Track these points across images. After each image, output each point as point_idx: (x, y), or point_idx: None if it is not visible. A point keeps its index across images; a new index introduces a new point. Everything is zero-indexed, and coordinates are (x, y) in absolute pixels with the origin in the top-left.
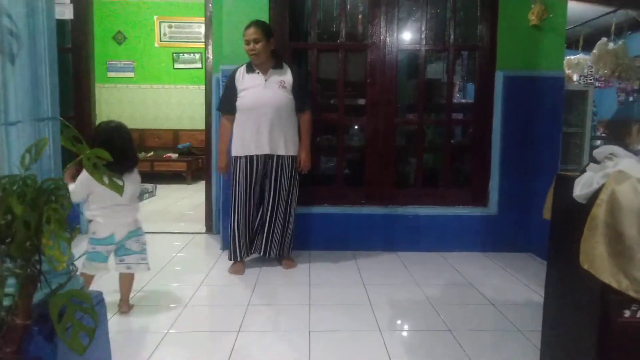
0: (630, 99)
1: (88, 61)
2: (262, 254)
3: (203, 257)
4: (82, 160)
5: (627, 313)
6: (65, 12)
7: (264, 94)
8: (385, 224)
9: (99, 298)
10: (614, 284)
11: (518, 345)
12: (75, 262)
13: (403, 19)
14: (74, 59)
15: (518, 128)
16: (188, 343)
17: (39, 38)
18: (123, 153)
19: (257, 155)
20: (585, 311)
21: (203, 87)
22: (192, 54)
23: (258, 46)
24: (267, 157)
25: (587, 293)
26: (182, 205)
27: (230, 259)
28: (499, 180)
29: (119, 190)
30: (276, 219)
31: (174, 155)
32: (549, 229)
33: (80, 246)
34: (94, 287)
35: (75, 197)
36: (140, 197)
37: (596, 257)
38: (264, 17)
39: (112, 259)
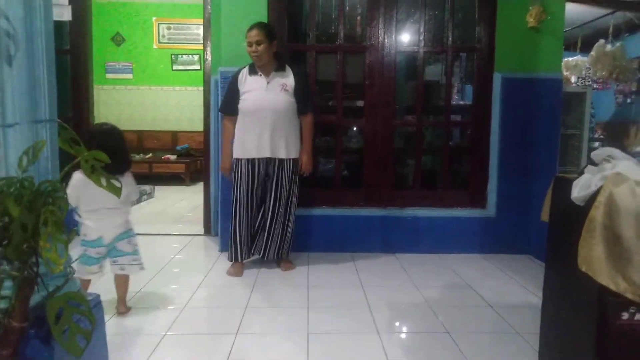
0: (628, 100)
1: (86, 63)
2: (261, 255)
3: (201, 258)
4: (80, 163)
5: (625, 315)
6: (64, 13)
7: (266, 97)
8: (383, 226)
9: (96, 300)
10: (612, 286)
11: (516, 347)
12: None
13: (401, 20)
14: (72, 61)
15: (516, 130)
16: (186, 345)
17: (37, 40)
18: (114, 155)
19: (258, 159)
20: (583, 313)
21: (201, 88)
22: (190, 56)
23: (260, 48)
24: (269, 160)
25: (585, 295)
26: (180, 206)
27: (230, 260)
28: (497, 182)
29: (117, 192)
30: (276, 221)
31: (173, 157)
32: (547, 231)
33: (77, 249)
34: (92, 288)
35: (70, 201)
36: (139, 198)
37: (594, 259)
38: (263, 19)
39: (106, 261)
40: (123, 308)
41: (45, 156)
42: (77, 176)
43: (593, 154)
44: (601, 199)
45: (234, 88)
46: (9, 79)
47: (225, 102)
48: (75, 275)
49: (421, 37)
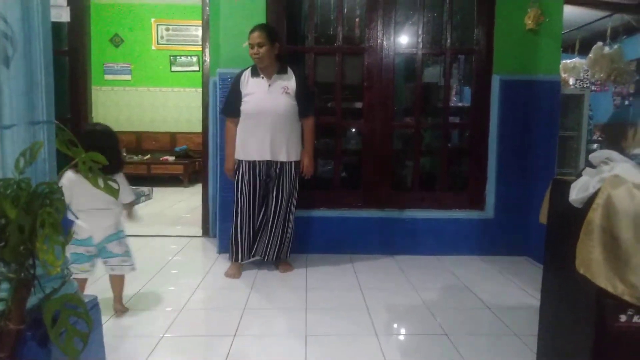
0: (626, 102)
1: (85, 64)
2: (262, 257)
3: (199, 260)
4: (78, 164)
5: (623, 318)
6: (62, 14)
7: (267, 100)
8: (382, 228)
9: (93, 302)
10: (610, 289)
11: (514, 349)
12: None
13: (400, 22)
14: (71, 62)
15: (515, 132)
16: (184, 347)
17: (35, 41)
18: (107, 156)
19: (259, 161)
20: (581, 315)
21: (200, 89)
22: (189, 57)
23: (262, 50)
24: (270, 163)
25: (583, 297)
26: (178, 208)
27: (231, 260)
28: (495, 184)
29: (114, 194)
30: (277, 223)
31: (171, 158)
32: (545, 233)
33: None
34: (91, 288)
35: None
36: (136, 200)
37: (592, 261)
38: (261, 20)
39: (99, 260)
40: (119, 306)
41: (42, 158)
42: (68, 175)
43: (591, 156)
44: (599, 201)
45: (235, 90)
46: (6, 80)
47: (228, 104)
48: None
49: (420, 39)
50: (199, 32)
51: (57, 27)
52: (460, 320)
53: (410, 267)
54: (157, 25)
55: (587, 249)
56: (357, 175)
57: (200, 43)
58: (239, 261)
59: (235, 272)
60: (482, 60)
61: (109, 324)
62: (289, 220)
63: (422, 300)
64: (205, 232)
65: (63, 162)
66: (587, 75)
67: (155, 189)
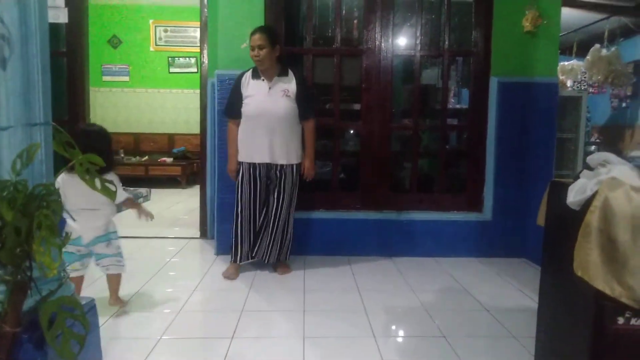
0: (624, 104)
1: (83, 65)
2: (263, 258)
3: (197, 262)
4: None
5: (620, 320)
6: (60, 15)
7: (267, 102)
8: (380, 229)
9: (90, 305)
10: (608, 291)
11: (512, 351)
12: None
13: (398, 24)
14: (69, 63)
15: (512, 133)
16: (181, 349)
17: (32, 43)
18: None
19: (259, 163)
20: (579, 317)
21: (198, 91)
22: (187, 58)
23: (262, 52)
24: (269, 166)
25: (581, 300)
26: (176, 209)
27: (231, 259)
28: (493, 186)
29: (112, 195)
30: (278, 225)
31: (169, 160)
32: (543, 235)
33: None
34: (89, 290)
35: None
36: (135, 201)
37: (590, 263)
38: (259, 22)
39: (91, 260)
40: (114, 301)
41: (39, 159)
42: (60, 175)
43: (588, 159)
44: (597, 203)
45: (237, 91)
46: (3, 82)
47: (229, 106)
48: None
49: (418, 41)
50: (197, 34)
51: (55, 28)
52: (458, 322)
53: (409, 269)
54: (156, 26)
55: (584, 252)
56: (355, 177)
57: (199, 44)
58: (238, 262)
59: (232, 273)
60: (480, 62)
61: (106, 326)
62: (288, 222)
63: (420, 302)
64: (203, 233)
65: (60, 164)
66: (585, 77)
67: (153, 190)
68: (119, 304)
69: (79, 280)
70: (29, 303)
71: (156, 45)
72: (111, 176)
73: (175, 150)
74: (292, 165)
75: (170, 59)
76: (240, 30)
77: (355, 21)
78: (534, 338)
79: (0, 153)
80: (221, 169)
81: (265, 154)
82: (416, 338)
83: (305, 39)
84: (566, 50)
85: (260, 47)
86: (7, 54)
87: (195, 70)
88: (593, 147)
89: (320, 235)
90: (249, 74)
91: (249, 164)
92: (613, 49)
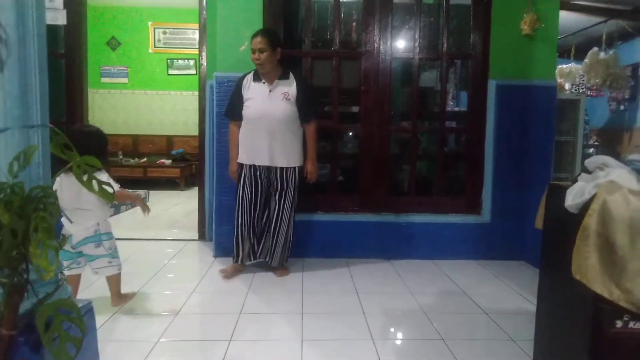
0: (622, 107)
1: (81, 67)
2: (266, 259)
3: (195, 264)
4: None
5: (619, 323)
6: (59, 17)
7: (267, 105)
8: (378, 232)
9: (87, 307)
10: (606, 294)
11: (511, 354)
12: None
13: (397, 27)
14: (67, 65)
15: (511, 136)
16: (179, 352)
17: (29, 45)
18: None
19: (259, 165)
20: (577, 321)
21: (197, 93)
22: (186, 60)
23: (263, 56)
24: (269, 169)
25: (580, 303)
26: (175, 211)
27: (233, 259)
28: (492, 188)
29: (109, 198)
30: (281, 228)
31: (168, 161)
32: (541, 238)
33: None
34: (87, 291)
35: None
36: (132, 203)
37: (588, 267)
38: (258, 25)
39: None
40: (116, 301)
41: (36, 162)
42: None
43: (587, 162)
44: (595, 206)
45: (238, 93)
46: (0, 83)
47: (230, 107)
48: None
49: (416, 44)
50: (196, 36)
51: (53, 29)
52: (456, 324)
53: (407, 272)
54: (154, 28)
55: (583, 255)
56: (354, 179)
57: (197, 46)
58: (240, 262)
59: (230, 272)
60: (479, 65)
61: (103, 328)
62: (289, 225)
63: (418, 304)
64: (202, 235)
65: (56, 165)
66: (583, 80)
67: (151, 192)
68: (123, 303)
69: (76, 279)
70: (25, 306)
71: (155, 47)
72: (102, 174)
73: (173, 152)
74: (293, 167)
75: (169, 60)
76: (238, 32)
77: (354, 24)
78: (532, 341)
79: None
80: (220, 171)
81: (265, 156)
82: (414, 341)
83: (304, 41)
84: (564, 53)
85: (261, 50)
86: (4, 56)
87: (194, 72)
88: (591, 150)
89: (319, 237)
90: (250, 76)
91: (250, 165)
92: (611, 52)
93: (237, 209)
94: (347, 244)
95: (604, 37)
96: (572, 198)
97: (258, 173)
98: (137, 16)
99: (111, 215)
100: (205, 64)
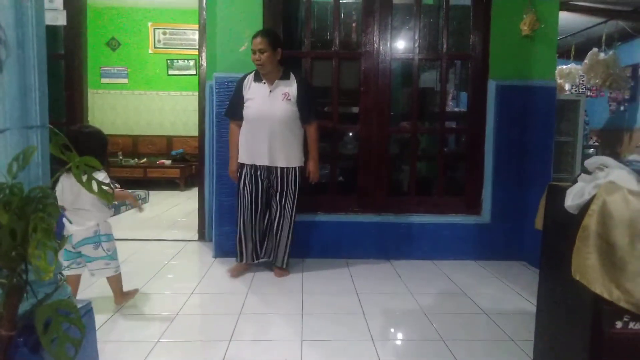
0: (622, 108)
1: (81, 67)
2: (270, 259)
3: (195, 264)
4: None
5: (619, 324)
6: (59, 18)
7: (267, 106)
8: (378, 232)
9: (86, 308)
10: (606, 295)
11: (511, 354)
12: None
13: (396, 27)
14: (67, 65)
15: (511, 137)
16: (179, 352)
17: (28, 46)
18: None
19: (260, 165)
20: (577, 321)
21: (197, 93)
22: (186, 61)
23: (263, 56)
24: (269, 169)
25: (579, 303)
26: (174, 212)
27: (236, 259)
28: (492, 189)
29: (109, 199)
30: (283, 228)
31: (167, 162)
32: (541, 239)
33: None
34: (87, 291)
35: None
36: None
37: (588, 267)
38: (258, 25)
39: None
40: (119, 300)
41: (35, 162)
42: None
43: (586, 163)
44: (595, 207)
45: (238, 93)
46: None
47: (231, 107)
48: None
49: (416, 44)
50: (196, 36)
51: (53, 30)
52: (456, 325)
53: (407, 272)
54: (154, 29)
55: (582, 255)
56: (354, 179)
57: (197, 47)
58: (243, 262)
59: (236, 272)
60: (478, 66)
61: (103, 328)
62: (291, 225)
63: (418, 304)
64: (202, 236)
65: (56, 166)
66: (583, 81)
67: (151, 192)
68: (126, 300)
69: (76, 279)
70: (24, 306)
71: (155, 47)
72: (99, 173)
73: (173, 153)
74: (293, 168)
75: (169, 61)
76: (238, 33)
77: (354, 24)
78: (532, 341)
79: None
80: (219, 171)
81: (265, 157)
82: (414, 341)
83: (304, 42)
84: (564, 54)
85: (262, 51)
86: (3, 57)
87: (193, 72)
88: (591, 151)
89: (319, 237)
90: (251, 76)
91: (251, 165)
92: (611, 52)
93: (238, 208)
94: (347, 245)
95: (603, 37)
96: (572, 198)
97: (258, 173)
98: (137, 17)
99: (111, 216)
100: (205, 64)
